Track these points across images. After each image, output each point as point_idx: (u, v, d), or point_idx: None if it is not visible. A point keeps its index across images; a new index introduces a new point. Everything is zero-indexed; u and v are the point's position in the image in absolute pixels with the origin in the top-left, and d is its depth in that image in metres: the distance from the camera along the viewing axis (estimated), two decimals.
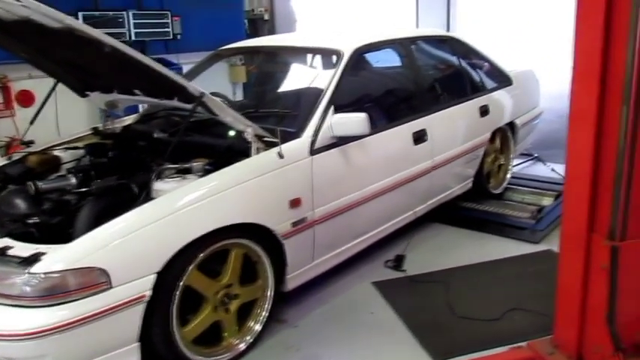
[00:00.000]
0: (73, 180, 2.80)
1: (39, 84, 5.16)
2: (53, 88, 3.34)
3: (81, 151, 3.31)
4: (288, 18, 7.49)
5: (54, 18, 2.20)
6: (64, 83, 3.35)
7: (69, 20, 2.17)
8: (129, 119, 3.74)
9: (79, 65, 3.00)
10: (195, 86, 2.52)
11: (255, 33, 7.20)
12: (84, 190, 2.74)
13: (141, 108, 4.36)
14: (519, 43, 13.37)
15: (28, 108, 5.16)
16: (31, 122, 3.37)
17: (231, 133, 2.91)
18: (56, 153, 3.30)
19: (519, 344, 2.66)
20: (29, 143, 5.09)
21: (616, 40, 2.02)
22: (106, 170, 2.90)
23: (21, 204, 2.61)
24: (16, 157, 3.26)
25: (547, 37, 13.72)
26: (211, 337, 2.62)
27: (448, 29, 14.07)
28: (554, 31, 13.74)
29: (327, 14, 9.85)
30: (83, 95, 3.40)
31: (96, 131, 3.57)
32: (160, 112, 3.60)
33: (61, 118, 4.94)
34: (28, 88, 5.15)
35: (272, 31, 7.35)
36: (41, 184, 2.71)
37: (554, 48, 13.49)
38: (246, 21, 7.08)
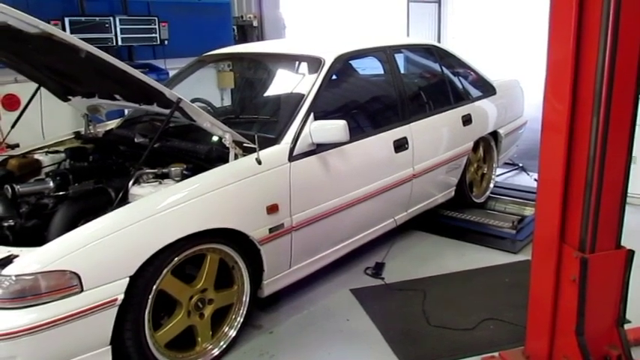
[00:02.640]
0: (51, 183, 2.80)
1: (24, 88, 5.13)
2: (35, 93, 3.35)
3: (61, 155, 3.32)
4: (276, 24, 7.52)
5: (30, 24, 2.21)
6: (45, 87, 3.35)
7: (43, 26, 2.17)
8: (112, 124, 3.75)
9: (59, 70, 3.00)
10: (172, 92, 2.53)
11: (243, 39, 7.22)
12: (61, 193, 2.74)
13: (126, 113, 4.37)
14: (508, 52, 13.51)
15: (14, 112, 5.15)
16: (12, 126, 3.38)
17: (214, 139, 2.93)
18: (36, 157, 3.32)
19: (491, 354, 2.68)
20: (14, 146, 5.10)
21: (586, 53, 2.06)
22: (85, 174, 2.89)
23: None
24: None
25: (535, 47, 13.86)
26: (185, 341, 2.62)
27: (439, 39, 14.21)
28: (541, 41, 13.89)
29: (315, 21, 9.91)
30: (65, 99, 3.41)
31: (77, 135, 3.58)
32: (143, 117, 3.61)
33: (47, 122, 4.93)
34: (14, 92, 5.14)
35: (261, 38, 7.38)
36: (19, 188, 2.71)
37: (541, 58, 13.63)
38: (234, 27, 7.10)
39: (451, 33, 14.27)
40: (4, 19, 2.24)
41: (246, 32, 7.28)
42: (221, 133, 2.71)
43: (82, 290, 2.15)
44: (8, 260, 2.11)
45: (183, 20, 6.10)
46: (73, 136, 3.59)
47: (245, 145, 2.81)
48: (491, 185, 4.80)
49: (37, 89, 3.35)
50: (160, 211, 2.38)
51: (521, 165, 5.67)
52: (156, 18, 5.68)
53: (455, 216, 4.43)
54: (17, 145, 5.11)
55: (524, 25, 14.07)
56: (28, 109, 5.14)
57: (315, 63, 3.30)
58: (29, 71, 3.18)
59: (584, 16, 2.03)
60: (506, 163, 5.39)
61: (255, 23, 7.19)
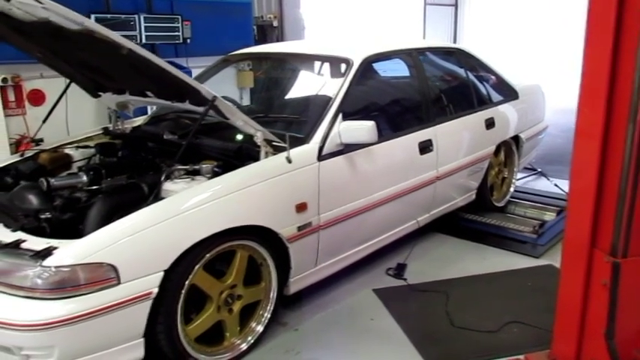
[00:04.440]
0: (84, 178, 2.84)
1: (50, 84, 5.22)
2: (66, 88, 3.40)
3: (91, 150, 3.37)
4: (296, 25, 7.55)
5: (73, 20, 2.24)
6: (77, 84, 3.40)
7: (88, 23, 2.21)
8: (138, 120, 3.80)
9: (93, 67, 3.05)
10: (208, 89, 2.56)
11: (263, 39, 7.25)
12: (94, 187, 2.78)
13: (149, 110, 4.42)
14: (525, 56, 13.49)
15: (39, 107, 5.22)
16: (44, 121, 3.43)
17: (239, 136, 2.96)
18: (67, 151, 3.36)
19: (517, 356, 2.70)
20: (39, 141, 5.16)
21: (623, 60, 2.07)
22: (116, 169, 2.94)
23: (33, 199, 2.65)
24: (28, 154, 3.31)
25: (552, 52, 13.83)
26: (213, 336, 2.65)
27: (455, 41, 14.20)
28: (560, 46, 13.86)
29: (333, 22, 9.95)
30: (95, 96, 3.45)
31: (106, 131, 3.62)
32: (169, 115, 3.66)
33: (70, 118, 4.99)
34: (39, 87, 5.20)
35: (281, 38, 7.41)
36: (53, 181, 2.76)
37: (560, 63, 13.59)
38: (254, 27, 7.13)
39: (467, 36, 14.27)
40: (45, 15, 2.28)
41: (266, 32, 7.31)
42: (253, 131, 2.75)
43: (119, 283, 2.19)
44: (48, 252, 2.16)
45: (205, 19, 6.13)
46: (101, 131, 3.63)
47: (274, 143, 2.84)
48: (512, 189, 4.81)
49: (68, 85, 3.40)
50: (195, 207, 2.42)
51: (539, 170, 5.66)
52: (179, 17, 5.72)
53: (475, 219, 4.44)
54: (41, 140, 5.17)
55: (540, 29, 14.06)
56: (51, 106, 5.25)
57: (343, 64, 3.33)
58: (61, 67, 3.23)
59: (623, 21, 2.04)
60: (525, 168, 5.39)
61: (275, 23, 7.22)
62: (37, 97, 5.22)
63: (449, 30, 14.17)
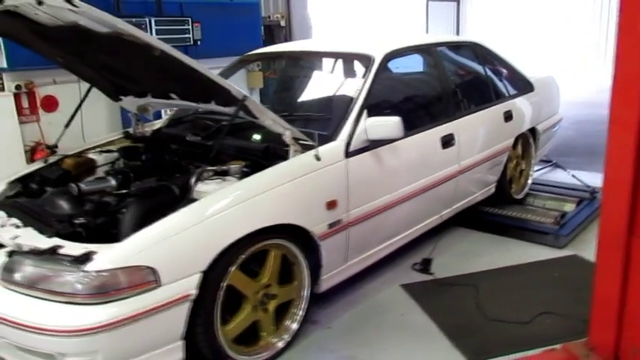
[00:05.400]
0: (113, 182, 2.85)
1: (62, 89, 5.23)
2: (87, 93, 3.39)
3: (114, 154, 3.36)
4: (304, 24, 7.54)
5: (104, 22, 2.23)
6: (97, 87, 3.40)
7: (121, 25, 2.20)
8: (158, 123, 3.80)
9: (116, 70, 3.04)
10: (238, 89, 2.56)
11: (270, 39, 7.24)
12: (123, 192, 2.79)
13: (163, 113, 4.41)
14: (528, 51, 13.47)
15: (52, 113, 5.22)
16: (66, 126, 3.42)
17: (256, 136, 2.96)
18: (90, 156, 3.36)
19: (553, 346, 2.69)
20: (54, 147, 5.16)
21: None
22: (144, 172, 2.95)
23: (65, 205, 2.65)
24: (51, 160, 3.31)
25: (556, 46, 13.82)
26: (247, 337, 2.65)
27: (457, 35, 14.19)
28: (564, 39, 13.86)
29: (339, 21, 9.96)
30: (116, 100, 3.45)
31: (126, 135, 3.63)
32: (189, 116, 3.66)
33: (84, 124, 4.99)
34: (52, 93, 5.20)
35: (289, 38, 7.41)
36: (83, 186, 2.76)
37: (564, 56, 13.59)
38: (261, 27, 7.13)
39: (470, 31, 14.26)
40: (74, 19, 2.27)
41: (274, 32, 7.31)
42: (282, 130, 2.74)
43: (158, 285, 2.19)
44: (87, 257, 2.15)
45: (214, 21, 6.13)
46: (122, 135, 3.64)
47: (301, 142, 2.84)
48: (529, 182, 4.81)
49: (89, 89, 3.39)
50: (230, 207, 2.42)
51: (555, 161, 5.66)
52: (189, 18, 5.72)
53: (496, 212, 4.45)
54: (56, 147, 5.18)
55: (542, 23, 14.05)
56: (65, 111, 5.24)
57: (364, 60, 3.33)
58: (82, 71, 3.22)
59: None
60: (540, 160, 5.39)
61: (282, 23, 7.22)
62: (50, 104, 5.22)
63: (451, 26, 14.17)
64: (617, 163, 2.31)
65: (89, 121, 4.98)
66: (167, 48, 2.30)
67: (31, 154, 5.07)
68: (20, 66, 4.82)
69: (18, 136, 5.00)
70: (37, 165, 3.31)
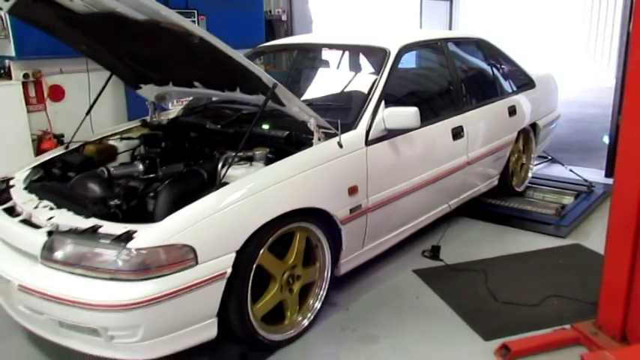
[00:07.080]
0: (141, 167, 2.93)
1: (69, 79, 5.27)
2: (107, 81, 3.45)
3: (135, 141, 3.44)
4: (305, 19, 7.63)
5: (144, 8, 2.28)
6: (118, 76, 3.47)
7: (165, 11, 2.24)
8: (172, 112, 3.87)
9: (141, 57, 3.10)
10: (269, 76, 2.64)
11: (272, 34, 7.32)
12: (151, 176, 2.87)
13: (170, 105, 4.47)
14: (520, 51, 13.69)
15: (59, 102, 5.26)
16: (87, 112, 3.47)
17: (263, 126, 3.05)
18: (111, 142, 3.43)
19: (563, 326, 2.83)
20: (59, 137, 5.20)
21: None
22: (170, 158, 3.02)
23: (96, 187, 2.73)
24: (72, 146, 3.37)
25: (547, 46, 14.06)
26: (272, 316, 2.75)
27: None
28: (554, 39, 14.09)
29: (338, 16, 10.07)
30: (136, 87, 3.52)
31: (144, 123, 3.70)
32: (207, 105, 3.74)
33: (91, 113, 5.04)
34: (59, 83, 5.24)
35: (290, 32, 7.48)
36: (113, 170, 2.83)
37: (554, 56, 13.82)
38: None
39: (462, 26, 14.45)
40: (113, 6, 2.33)
41: (274, 27, 7.38)
42: (307, 117, 2.84)
43: (197, 263, 2.28)
44: (129, 235, 2.24)
45: (218, 13, 6.20)
46: (139, 123, 3.71)
47: (323, 130, 2.93)
48: (530, 175, 4.96)
49: (110, 77, 3.45)
50: (261, 190, 2.51)
51: (551, 157, 5.82)
52: (195, 11, 5.79)
53: (499, 204, 4.60)
54: (62, 136, 5.22)
55: (534, 23, 14.27)
56: (71, 101, 5.27)
57: (380, 53, 3.43)
58: (104, 59, 3.27)
59: None
60: (538, 156, 5.54)
61: (284, 17, 7.29)
62: (56, 93, 5.25)
63: (444, 24, 14.35)
64: (629, 159, 2.44)
65: (95, 111, 5.03)
66: (206, 34, 2.36)
67: (38, 143, 5.11)
68: (28, 55, 4.85)
69: (25, 125, 5.03)
70: (58, 151, 3.37)
